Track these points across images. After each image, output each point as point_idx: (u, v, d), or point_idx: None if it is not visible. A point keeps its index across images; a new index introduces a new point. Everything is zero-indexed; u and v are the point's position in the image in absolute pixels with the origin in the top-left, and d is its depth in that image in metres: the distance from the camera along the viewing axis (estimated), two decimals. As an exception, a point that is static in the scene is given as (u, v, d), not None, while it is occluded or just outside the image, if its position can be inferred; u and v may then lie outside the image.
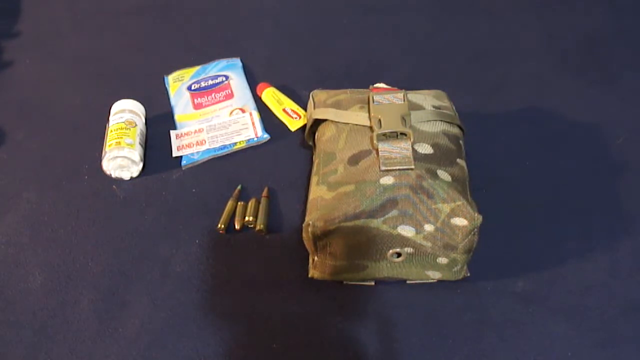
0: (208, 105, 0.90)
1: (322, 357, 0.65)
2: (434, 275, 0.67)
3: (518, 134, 0.85)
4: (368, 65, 0.96)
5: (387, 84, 0.82)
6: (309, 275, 0.68)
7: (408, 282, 0.69)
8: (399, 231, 0.61)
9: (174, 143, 0.85)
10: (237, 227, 0.75)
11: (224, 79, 0.93)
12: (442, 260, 0.64)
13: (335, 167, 0.66)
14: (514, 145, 0.83)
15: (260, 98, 0.91)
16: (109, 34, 1.04)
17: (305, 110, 0.85)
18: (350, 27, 1.03)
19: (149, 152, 0.84)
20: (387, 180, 0.62)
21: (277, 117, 0.89)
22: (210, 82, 0.93)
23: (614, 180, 0.79)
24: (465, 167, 0.67)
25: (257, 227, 0.74)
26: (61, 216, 0.78)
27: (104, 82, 0.95)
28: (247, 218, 0.75)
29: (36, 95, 0.94)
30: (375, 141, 0.64)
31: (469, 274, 0.68)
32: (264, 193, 0.78)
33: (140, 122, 0.85)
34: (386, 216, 0.60)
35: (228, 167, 0.83)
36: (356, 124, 0.68)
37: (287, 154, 0.84)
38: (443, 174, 0.63)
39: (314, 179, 0.68)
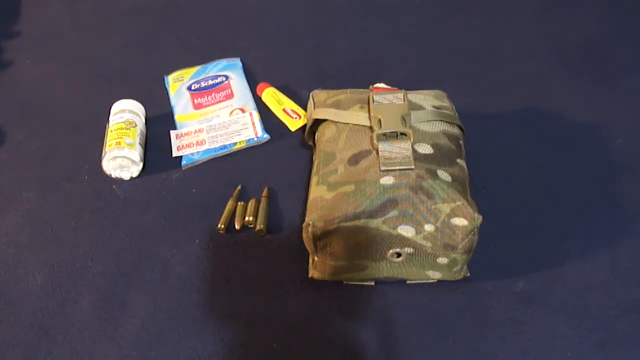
0: (208, 105, 0.90)
1: (322, 357, 0.65)
2: (434, 275, 0.67)
3: (518, 134, 0.85)
4: (368, 65, 0.96)
5: (387, 84, 0.82)
6: (309, 275, 0.68)
7: (408, 282, 0.69)
8: (399, 231, 0.61)
9: (174, 143, 0.85)
10: (237, 227, 0.75)
11: (224, 79, 0.93)
12: (442, 260, 0.64)
13: (335, 167, 0.66)
14: (514, 145, 0.83)
15: (260, 98, 0.91)
16: (109, 34, 1.04)
17: (305, 110, 0.85)
18: (350, 27, 1.03)
19: (149, 152, 0.84)
20: (387, 180, 0.62)
21: (277, 117, 0.89)
22: (210, 82, 0.93)
23: (614, 180, 0.79)
24: (465, 167, 0.67)
25: (257, 227, 0.74)
26: (61, 216, 0.78)
27: (104, 82, 0.95)
28: (247, 218, 0.75)
29: (36, 95, 0.94)
30: (375, 141, 0.64)
31: (469, 274, 0.68)
32: (264, 193, 0.78)
33: (140, 122, 0.85)
34: (386, 216, 0.60)
35: (228, 167, 0.83)
36: (356, 124, 0.68)
37: (287, 154, 0.84)
38: (443, 174, 0.63)
39: (314, 179, 0.68)
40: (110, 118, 0.84)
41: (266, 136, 0.85)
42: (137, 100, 0.87)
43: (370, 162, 0.63)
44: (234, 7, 1.08)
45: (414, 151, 0.64)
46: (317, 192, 0.65)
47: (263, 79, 0.94)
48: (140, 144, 0.82)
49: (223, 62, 0.96)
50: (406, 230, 0.61)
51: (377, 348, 0.65)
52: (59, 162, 0.84)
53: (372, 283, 0.69)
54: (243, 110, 0.88)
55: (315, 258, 0.66)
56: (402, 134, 0.65)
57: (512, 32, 1.01)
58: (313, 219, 0.62)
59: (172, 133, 0.86)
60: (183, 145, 0.84)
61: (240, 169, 0.82)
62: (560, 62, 0.95)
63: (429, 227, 0.61)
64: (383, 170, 0.62)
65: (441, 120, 0.69)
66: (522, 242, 0.73)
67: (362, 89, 0.75)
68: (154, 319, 0.68)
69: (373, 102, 0.68)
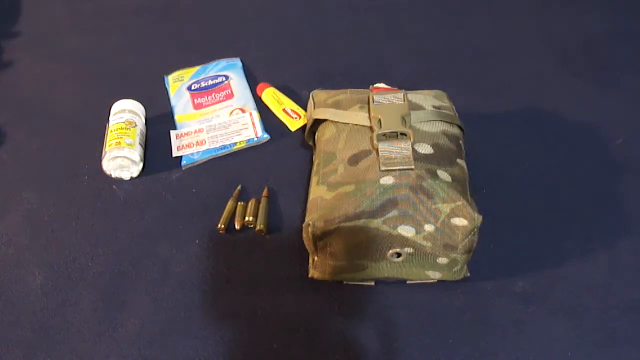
0: (208, 105, 0.90)
1: (322, 357, 0.65)
2: (434, 275, 0.67)
3: (518, 134, 0.85)
4: (368, 65, 0.96)
5: (387, 84, 0.82)
6: (309, 275, 0.68)
7: (408, 282, 0.69)
8: (399, 231, 0.61)
9: (174, 143, 0.85)
10: (237, 227, 0.75)
11: (224, 79, 0.93)
12: (442, 260, 0.64)
13: (335, 167, 0.66)
14: (514, 145, 0.83)
15: (260, 98, 0.91)
16: (109, 34, 1.04)
17: (305, 110, 0.85)
18: (350, 27, 1.03)
19: (149, 152, 0.84)
20: (387, 180, 0.62)
21: (277, 117, 0.89)
22: (210, 82, 0.93)
23: (614, 180, 0.79)
24: (465, 167, 0.67)
25: (257, 227, 0.74)
26: (61, 216, 0.78)
27: (104, 82, 0.95)
28: (247, 218, 0.75)
29: (36, 95, 0.94)
30: (375, 141, 0.64)
31: (469, 274, 0.68)
32: (264, 193, 0.78)
33: (140, 122, 0.85)
34: (386, 216, 0.60)
35: (228, 167, 0.83)
36: (356, 124, 0.68)
37: (287, 154, 0.84)
38: (443, 174, 0.63)
39: (314, 179, 0.68)
40: (110, 118, 0.84)
41: (266, 136, 0.85)
42: (137, 100, 0.87)
43: (370, 162, 0.63)
44: (234, 7, 1.08)
45: (414, 151, 0.64)
46: (317, 192, 0.65)
47: (263, 79, 0.94)
48: (140, 144, 0.82)
49: (223, 62, 0.96)
50: (406, 230, 0.61)
51: (377, 348, 0.65)
52: (59, 162, 0.84)
53: (372, 283, 0.70)
54: (243, 110, 0.88)
55: (315, 258, 0.66)
56: (402, 134, 0.65)
57: (512, 32, 1.01)
58: (313, 219, 0.62)
59: (172, 133, 0.86)
60: (183, 145, 0.84)
61: (240, 169, 0.82)
62: (560, 62, 0.95)
63: (429, 227, 0.61)
64: (383, 170, 0.62)
65: (441, 120, 0.69)
66: (522, 242, 0.73)
67: (362, 89, 0.75)
68: (154, 319, 0.68)
69: (373, 102, 0.68)
